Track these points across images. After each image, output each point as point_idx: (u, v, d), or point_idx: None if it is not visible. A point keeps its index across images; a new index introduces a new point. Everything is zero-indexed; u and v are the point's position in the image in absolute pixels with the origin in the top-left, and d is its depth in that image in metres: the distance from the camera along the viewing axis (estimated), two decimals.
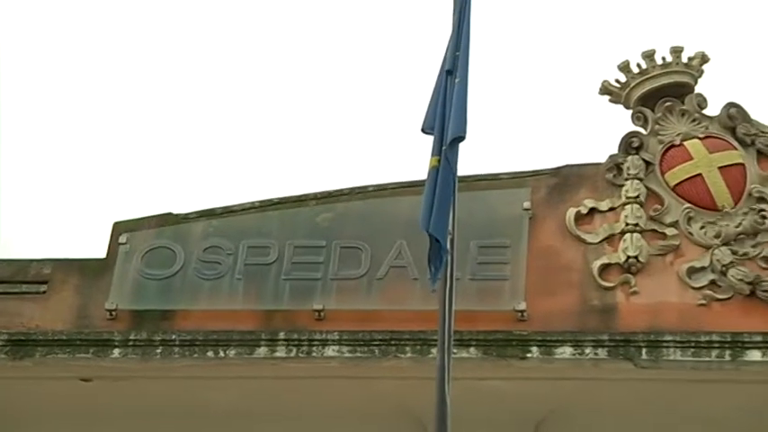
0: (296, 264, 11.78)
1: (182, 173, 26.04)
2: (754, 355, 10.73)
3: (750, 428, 10.79)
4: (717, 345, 10.79)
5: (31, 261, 12.17)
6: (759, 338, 10.77)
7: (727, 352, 10.76)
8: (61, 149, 26.06)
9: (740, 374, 10.75)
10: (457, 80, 9.28)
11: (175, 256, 11.92)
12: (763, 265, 11.40)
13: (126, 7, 26.06)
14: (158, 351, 11.21)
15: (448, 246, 8.94)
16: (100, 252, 12.15)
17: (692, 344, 10.80)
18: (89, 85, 25.75)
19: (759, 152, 11.91)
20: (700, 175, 11.88)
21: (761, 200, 11.68)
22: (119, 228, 12.21)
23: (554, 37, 25.12)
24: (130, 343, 11.29)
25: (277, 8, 26.78)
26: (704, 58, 12.27)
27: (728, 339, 10.80)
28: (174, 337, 11.26)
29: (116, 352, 11.25)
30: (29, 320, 11.68)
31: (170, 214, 12.29)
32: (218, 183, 23.47)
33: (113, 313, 11.69)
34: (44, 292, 11.93)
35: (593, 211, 11.85)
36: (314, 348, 11.07)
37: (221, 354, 11.13)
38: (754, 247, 11.52)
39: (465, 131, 9.14)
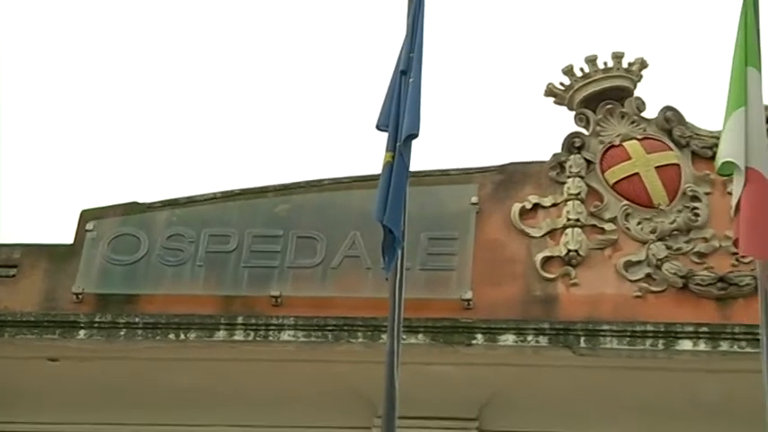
0: (254, 252, 11.76)
1: (147, 163, 25.96)
2: (686, 345, 10.78)
3: (681, 414, 10.81)
4: (651, 334, 10.83)
5: (2, 246, 12.11)
6: (690, 329, 10.82)
7: (661, 341, 10.81)
8: (31, 140, 25.92)
9: (672, 363, 10.80)
10: (411, 80, 9.31)
11: (140, 243, 11.88)
12: (696, 260, 11.47)
13: (88, 2, 25.92)
14: (122, 333, 11.16)
15: (400, 237, 8.99)
16: (68, 238, 12.10)
17: (628, 333, 10.84)
18: (59, 79, 25.63)
19: (693, 153, 11.97)
20: (637, 174, 11.94)
21: (694, 198, 11.75)
22: (86, 215, 12.15)
23: (503, 40, 25.17)
24: (96, 325, 11.23)
25: (241, 8, 26.72)
26: (643, 64, 12.31)
27: (662, 329, 10.85)
28: (137, 320, 11.21)
29: (82, 333, 11.19)
30: None
31: (135, 203, 12.24)
32: (181, 173, 23.43)
33: (80, 296, 11.65)
34: (13, 276, 11.87)
35: (536, 206, 11.88)
36: (271, 333, 11.05)
37: (182, 336, 11.10)
38: (687, 242, 11.59)
39: (418, 129, 9.18)
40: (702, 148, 11.86)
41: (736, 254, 10.91)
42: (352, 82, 23.71)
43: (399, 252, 8.94)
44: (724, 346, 10.69)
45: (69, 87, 26.85)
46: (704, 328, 10.82)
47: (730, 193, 9.80)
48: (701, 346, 10.75)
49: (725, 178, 10.67)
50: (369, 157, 10.78)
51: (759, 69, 9.66)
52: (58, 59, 25.59)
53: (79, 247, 11.94)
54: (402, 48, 9.52)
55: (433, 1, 10.04)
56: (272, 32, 26.97)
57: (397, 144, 9.11)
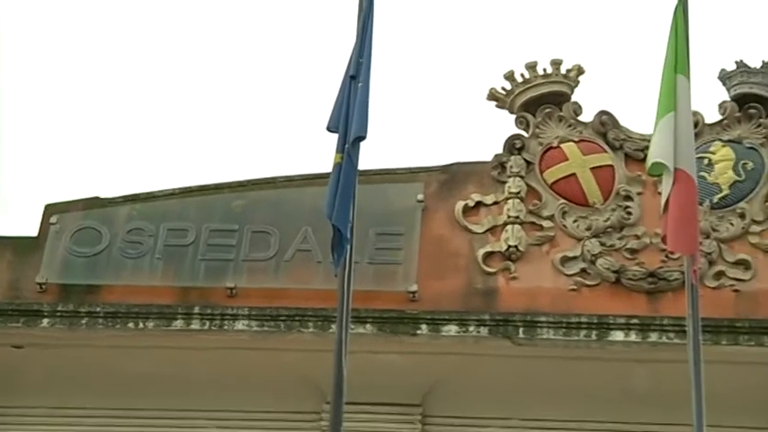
0: (211, 245, 11.75)
1: (109, 160, 25.83)
2: (618, 336, 10.84)
3: (613, 400, 10.85)
4: (585, 326, 10.89)
5: None
6: (622, 321, 10.88)
7: (594, 332, 10.87)
8: None
9: (605, 352, 10.87)
10: (360, 84, 9.32)
11: (101, 236, 11.84)
12: (628, 256, 11.53)
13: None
14: (84, 322, 11.13)
15: (349, 234, 9.02)
16: (32, 231, 12.03)
17: (564, 324, 10.89)
18: (26, 77, 25.49)
19: (627, 155, 12.02)
20: (574, 174, 11.99)
21: (627, 198, 11.81)
22: (50, 209, 12.11)
23: (448, 47, 25.24)
24: (58, 314, 11.19)
25: (202, 10, 26.66)
26: (580, 70, 12.35)
27: (595, 321, 10.90)
28: (98, 309, 11.17)
29: (45, 322, 11.15)
30: None
31: (97, 198, 12.19)
32: (142, 170, 23.33)
33: (43, 287, 11.60)
34: None
35: (479, 204, 11.91)
36: (226, 322, 11.04)
37: (141, 325, 11.08)
38: (620, 239, 11.64)
39: (366, 132, 9.20)
40: (635, 151, 11.92)
41: (666, 250, 10.93)
42: (306, 85, 23.69)
43: (348, 248, 8.97)
44: (653, 337, 10.76)
45: (35, 86, 26.71)
46: (635, 320, 10.88)
47: (660, 193, 9.88)
48: (632, 337, 10.82)
49: (655, 179, 10.76)
50: (320, 156, 10.81)
51: (688, 77, 9.74)
52: (23, 58, 25.45)
53: (43, 240, 11.89)
54: (352, 54, 9.53)
55: (382, 8, 10.09)
56: (234, 38, 26.94)
57: (346, 146, 9.12)
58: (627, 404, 10.81)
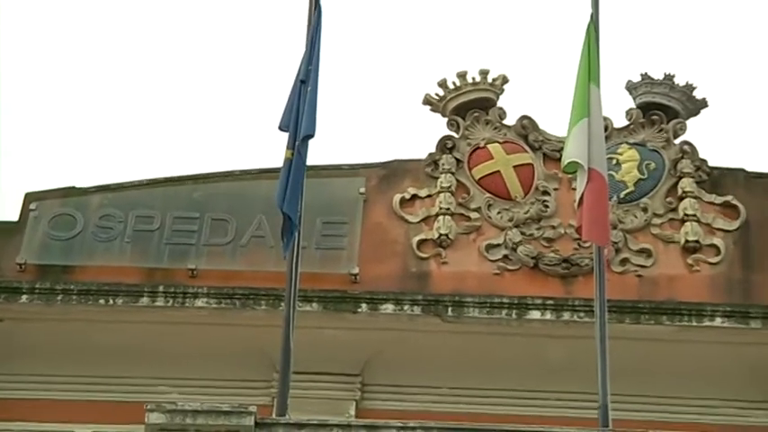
0: (175, 231, 11.67)
1: (84, 153, 25.63)
2: (535, 315, 10.89)
3: (530, 371, 10.85)
4: (506, 306, 10.93)
5: None
6: (539, 302, 10.93)
7: (514, 311, 10.91)
8: None
9: (524, 329, 10.90)
10: (309, 88, 9.31)
11: (76, 221, 11.73)
12: (545, 244, 11.56)
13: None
14: (59, 298, 11.04)
15: (297, 222, 9.00)
16: (13, 216, 11.91)
17: (488, 304, 10.92)
18: (9, 75, 25.20)
19: (545, 155, 12.04)
20: (498, 171, 12.00)
21: (545, 193, 11.85)
22: (30, 197, 11.97)
23: (389, 55, 25.29)
24: (36, 291, 11.10)
25: (175, 14, 26.53)
26: (505, 79, 12.35)
27: (516, 302, 10.94)
28: (72, 287, 11.08)
29: (24, 298, 11.06)
30: None
31: (73, 187, 12.08)
32: (114, 162, 23.18)
33: (23, 266, 11.48)
34: None
35: (414, 197, 11.89)
36: (187, 300, 10.99)
37: (111, 302, 11.00)
38: (538, 229, 11.67)
39: (314, 131, 9.19)
40: (552, 151, 11.93)
41: (578, 239, 10.97)
42: (262, 88, 23.61)
43: (296, 234, 8.95)
44: (566, 316, 10.82)
45: (20, 84, 26.45)
46: (550, 301, 10.93)
47: (574, 189, 9.94)
48: (548, 316, 10.88)
49: (570, 176, 10.81)
50: (273, 152, 10.77)
51: (599, 86, 9.79)
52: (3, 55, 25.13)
53: (23, 224, 11.77)
54: (302, 61, 9.52)
55: (330, 20, 10.08)
56: (200, 46, 26.77)
57: (296, 143, 9.12)
58: (542, 375, 10.82)
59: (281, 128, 9.32)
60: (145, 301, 11.02)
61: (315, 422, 8.07)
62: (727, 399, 10.78)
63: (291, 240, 8.98)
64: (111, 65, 26.29)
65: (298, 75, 9.45)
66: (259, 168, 11.89)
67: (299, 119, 9.18)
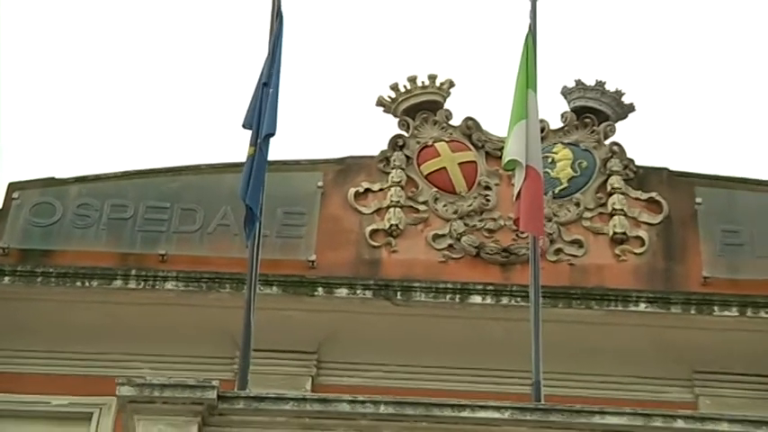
0: (147, 219, 11.61)
1: (64, 145, 25.47)
2: (476, 299, 10.90)
3: (472, 349, 10.85)
4: (450, 291, 10.94)
5: None
6: (480, 287, 10.94)
7: (458, 296, 10.91)
8: None
9: (466, 312, 10.91)
10: (270, 90, 9.31)
11: (55, 209, 11.65)
12: (486, 235, 11.58)
13: None
14: (39, 280, 10.95)
15: (259, 213, 8.99)
16: None
17: (433, 289, 10.93)
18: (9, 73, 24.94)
19: (487, 153, 12.04)
20: (445, 168, 12.01)
21: (486, 188, 11.87)
22: (12, 186, 11.85)
23: (347, 59, 25.24)
24: (18, 273, 11.01)
25: (156, 21, 26.37)
26: (451, 83, 12.36)
27: (459, 287, 10.95)
28: (51, 270, 11.01)
29: (6, 279, 10.97)
30: None
31: (53, 178, 11.97)
32: (92, 154, 23.03)
33: (6, 251, 11.39)
34: None
35: (367, 190, 11.86)
36: (157, 282, 10.93)
37: (87, 284, 10.92)
38: (480, 221, 11.68)
39: (275, 129, 9.20)
40: (494, 150, 11.95)
41: (517, 230, 10.96)
42: (229, 88, 23.53)
43: (257, 224, 8.94)
44: (504, 300, 10.84)
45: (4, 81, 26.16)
46: (490, 287, 10.95)
47: (513, 185, 9.96)
48: (488, 300, 10.89)
49: (509, 173, 10.80)
50: (239, 148, 10.72)
51: (536, 91, 9.85)
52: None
53: (6, 212, 11.66)
54: (264, 65, 9.53)
55: (291, 23, 10.08)
56: (173, 50, 26.63)
57: (259, 140, 9.12)
58: (482, 354, 10.83)
59: (244, 126, 9.33)
60: (118, 283, 10.94)
61: (273, 396, 8.06)
62: (648, 377, 10.84)
63: (253, 229, 8.98)
64: (92, 66, 26.15)
65: (260, 78, 9.46)
66: (225, 163, 11.81)
67: (261, 118, 9.19)
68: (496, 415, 7.87)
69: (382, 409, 7.91)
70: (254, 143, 9.14)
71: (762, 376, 10.76)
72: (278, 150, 10.00)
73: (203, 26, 26.06)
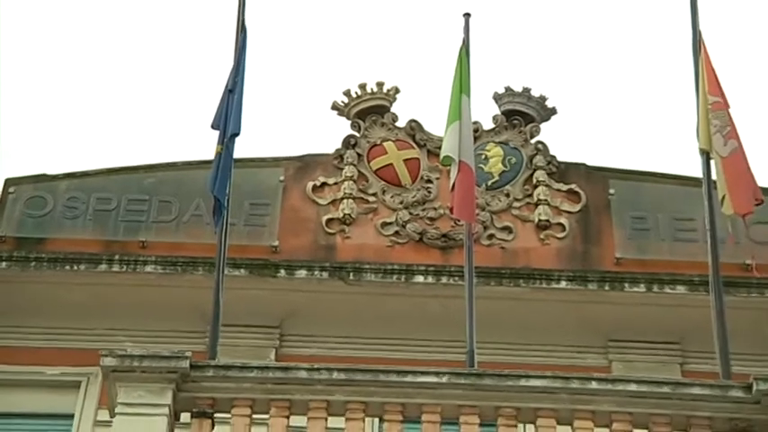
0: (128, 210, 11.53)
1: (54, 144, 25.21)
2: (419, 279, 10.91)
3: (415, 324, 10.84)
4: (396, 271, 10.94)
5: None
6: (423, 268, 10.96)
7: (403, 276, 10.92)
8: None
9: (410, 290, 10.91)
10: (235, 96, 9.25)
11: (47, 202, 11.55)
12: (428, 222, 11.58)
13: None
14: (32, 265, 10.87)
15: (226, 203, 8.93)
16: None
17: (381, 270, 10.93)
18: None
19: (429, 151, 12.01)
20: (391, 164, 11.99)
21: (428, 181, 11.87)
22: (9, 182, 11.73)
23: (303, 65, 25.28)
24: (14, 258, 10.92)
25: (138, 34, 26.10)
26: (397, 90, 12.32)
27: (404, 268, 10.96)
28: (43, 255, 10.93)
29: (3, 264, 10.89)
30: None
31: (44, 174, 11.86)
32: (79, 152, 22.84)
33: (3, 239, 11.28)
34: None
35: (324, 184, 11.82)
36: (138, 266, 10.88)
37: (75, 267, 10.85)
38: (423, 210, 11.68)
39: (239, 129, 9.13)
40: (434, 148, 11.87)
41: (454, 218, 10.97)
42: (201, 92, 23.40)
43: (225, 213, 8.89)
44: (444, 280, 10.86)
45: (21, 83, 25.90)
46: (432, 268, 10.97)
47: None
48: (429, 279, 10.90)
49: (448, 168, 10.79)
50: (209, 146, 10.63)
51: (469, 96, 9.85)
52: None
53: (3, 204, 11.54)
54: (230, 74, 9.47)
55: (255, 34, 10.02)
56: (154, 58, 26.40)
57: (225, 139, 9.05)
58: (424, 326, 10.83)
59: (212, 127, 9.26)
60: (103, 267, 10.87)
61: (238, 365, 8.02)
62: (569, 345, 10.89)
63: (221, 218, 8.92)
64: (81, 72, 25.89)
65: (227, 85, 9.40)
66: (197, 160, 11.70)
67: (227, 120, 9.12)
68: (435, 379, 7.87)
69: (335, 375, 7.88)
70: (221, 142, 9.07)
71: (667, 343, 10.86)
72: (244, 149, 9.95)
73: (178, 39, 25.90)
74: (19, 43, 25.16)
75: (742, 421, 7.71)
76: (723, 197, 8.91)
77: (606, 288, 10.86)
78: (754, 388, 7.69)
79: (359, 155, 12.01)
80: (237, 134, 9.08)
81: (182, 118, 24.79)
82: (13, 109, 24.90)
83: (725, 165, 8.98)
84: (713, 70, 9.39)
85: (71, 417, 10.47)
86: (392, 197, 11.77)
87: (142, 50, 26.43)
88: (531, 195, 11.77)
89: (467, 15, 10.45)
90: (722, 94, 9.28)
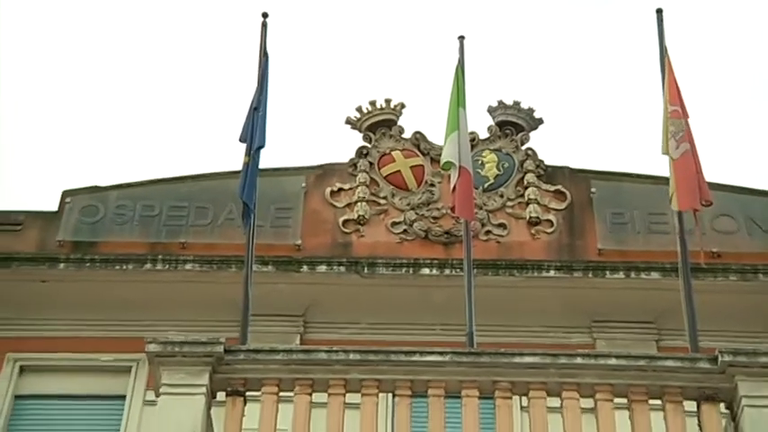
0: (170, 216, 11.56)
1: (107, 159, 25.33)
2: (426, 271, 10.90)
3: (421, 310, 10.84)
4: (405, 265, 10.94)
5: (11, 211, 11.70)
6: (428, 262, 10.95)
7: (411, 269, 10.92)
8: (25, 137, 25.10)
9: (418, 282, 10.91)
10: (260, 113, 9.32)
11: (98, 210, 11.61)
12: (432, 221, 11.56)
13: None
14: (87, 265, 10.94)
15: (254, 208, 8.99)
16: (54, 207, 11.73)
17: (392, 264, 10.94)
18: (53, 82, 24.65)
19: (432, 158, 11.98)
20: (399, 171, 11.98)
21: (432, 185, 11.86)
22: (66, 193, 11.80)
23: (320, 85, 25.35)
24: (71, 260, 10.99)
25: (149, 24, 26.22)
26: (403, 105, 12.33)
27: (412, 262, 10.97)
28: (96, 257, 10.99)
29: (62, 265, 10.95)
30: (8, 247, 11.21)
31: (96, 186, 11.92)
32: (128, 165, 22.94)
33: (61, 243, 11.35)
34: (19, 230, 11.47)
35: (340, 189, 11.82)
36: (179, 265, 10.92)
37: (124, 267, 10.92)
38: (428, 210, 11.66)
39: (264, 142, 9.21)
40: (437, 156, 11.78)
41: (455, 217, 10.98)
42: (231, 111, 23.47)
43: (252, 216, 8.95)
44: (447, 272, 10.83)
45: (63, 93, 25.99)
46: (436, 261, 10.96)
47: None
48: (434, 271, 10.90)
49: (449, 173, 10.78)
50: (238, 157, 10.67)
51: (465, 109, 9.88)
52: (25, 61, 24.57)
53: (61, 213, 11.61)
54: (254, 93, 9.54)
55: (278, 55, 10.08)
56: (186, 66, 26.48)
57: (252, 151, 9.12)
58: (430, 312, 10.84)
59: (240, 140, 9.33)
60: (148, 266, 10.93)
61: (266, 348, 8.10)
62: (557, 326, 10.88)
63: (249, 221, 8.98)
64: (129, 95, 25.99)
65: (252, 103, 9.48)
66: (228, 171, 11.65)
67: (253, 134, 9.20)
68: (439, 358, 7.93)
69: (351, 356, 7.95)
70: (248, 153, 9.15)
71: (644, 323, 10.85)
72: (269, 159, 10.02)
73: (206, 64, 26.00)
74: (74, 71, 25.32)
75: (709, 389, 7.75)
76: (672, 194, 8.95)
77: (590, 275, 10.86)
78: (720, 360, 7.74)
79: (370, 163, 12.04)
80: (263, 146, 9.15)
81: (214, 134, 24.94)
82: (69, 129, 25.12)
83: (675, 166, 9.02)
84: (675, 81, 9.41)
85: (123, 398, 10.55)
86: (400, 200, 11.80)
87: (179, 78, 26.55)
88: (522, 195, 11.78)
89: (461, 38, 10.51)
90: (681, 104, 9.29)
